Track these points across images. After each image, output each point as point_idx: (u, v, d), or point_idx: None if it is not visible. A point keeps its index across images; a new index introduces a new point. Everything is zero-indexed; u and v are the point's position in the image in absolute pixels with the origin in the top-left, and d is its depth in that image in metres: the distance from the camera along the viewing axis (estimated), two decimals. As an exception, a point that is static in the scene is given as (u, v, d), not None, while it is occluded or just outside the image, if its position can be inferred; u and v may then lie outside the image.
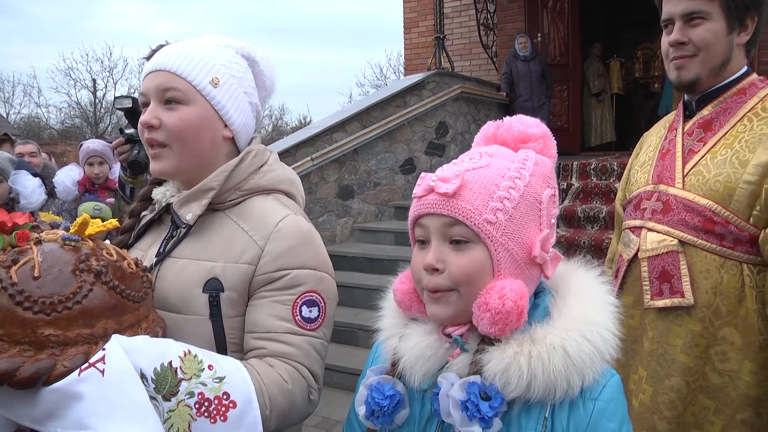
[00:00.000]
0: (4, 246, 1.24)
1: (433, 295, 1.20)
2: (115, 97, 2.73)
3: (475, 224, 1.15)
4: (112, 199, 4.53)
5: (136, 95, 2.69)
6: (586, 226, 6.68)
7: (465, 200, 1.16)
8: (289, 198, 1.61)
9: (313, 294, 1.46)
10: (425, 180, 1.21)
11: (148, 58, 1.62)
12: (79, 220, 1.32)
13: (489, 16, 10.70)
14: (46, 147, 13.05)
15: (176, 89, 1.48)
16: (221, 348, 1.44)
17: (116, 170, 4.43)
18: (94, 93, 36.06)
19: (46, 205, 4.57)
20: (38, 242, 1.26)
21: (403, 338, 1.27)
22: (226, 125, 1.54)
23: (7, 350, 1.12)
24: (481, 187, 1.17)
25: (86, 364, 1.14)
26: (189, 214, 1.51)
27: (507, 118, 1.34)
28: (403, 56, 12.18)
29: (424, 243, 1.23)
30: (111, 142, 4.63)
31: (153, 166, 1.52)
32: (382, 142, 8.09)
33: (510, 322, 1.13)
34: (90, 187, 4.73)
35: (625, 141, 10.94)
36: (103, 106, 35.47)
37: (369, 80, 41.38)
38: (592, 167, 7.39)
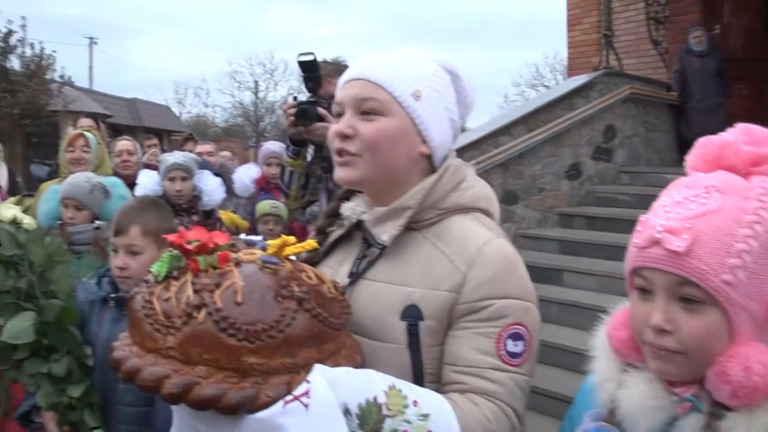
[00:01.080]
0: (206, 267, 1.22)
1: (658, 351, 1.07)
2: (299, 53, 2.73)
3: (711, 286, 1.01)
4: None
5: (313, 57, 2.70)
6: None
7: (698, 258, 1.01)
8: (487, 216, 1.50)
9: (518, 327, 1.35)
10: (648, 229, 1.07)
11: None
12: (278, 241, 1.28)
13: (660, 9, 10.06)
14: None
15: (375, 99, 1.41)
16: (418, 378, 1.37)
17: None
18: (256, 93, 38.19)
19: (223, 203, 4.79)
20: (237, 263, 1.23)
21: (621, 384, 1.15)
22: (423, 141, 1.45)
23: (213, 375, 1.11)
24: (715, 240, 1.02)
25: (291, 397, 1.10)
26: (385, 234, 1.43)
27: (732, 133, 1.14)
28: (566, 55, 11.75)
29: (646, 293, 1.09)
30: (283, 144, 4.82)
31: (338, 173, 1.45)
32: (548, 146, 7.81)
33: (756, 396, 0.99)
34: (266, 186, 4.98)
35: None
36: (264, 105, 37.49)
37: (525, 80, 40.87)
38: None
